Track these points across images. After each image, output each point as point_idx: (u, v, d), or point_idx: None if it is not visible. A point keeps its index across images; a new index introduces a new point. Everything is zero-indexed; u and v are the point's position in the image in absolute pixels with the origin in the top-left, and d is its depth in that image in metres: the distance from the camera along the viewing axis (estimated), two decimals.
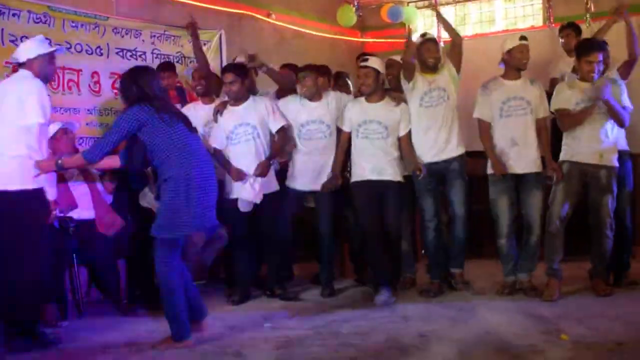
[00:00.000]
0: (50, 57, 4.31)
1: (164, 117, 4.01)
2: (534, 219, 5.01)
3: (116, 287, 5.06)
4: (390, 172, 5.13)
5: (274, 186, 5.28)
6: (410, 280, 5.54)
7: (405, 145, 5.18)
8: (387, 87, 5.47)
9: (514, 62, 5.06)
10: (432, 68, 5.15)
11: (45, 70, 4.28)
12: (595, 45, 4.95)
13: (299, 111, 5.32)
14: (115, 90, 5.81)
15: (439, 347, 3.86)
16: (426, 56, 5.14)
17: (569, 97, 4.92)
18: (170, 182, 3.97)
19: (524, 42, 5.05)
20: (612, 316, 4.33)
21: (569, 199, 4.89)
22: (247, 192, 5.05)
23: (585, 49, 4.92)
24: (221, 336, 4.29)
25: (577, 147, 4.90)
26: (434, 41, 5.19)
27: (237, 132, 5.18)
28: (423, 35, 5.26)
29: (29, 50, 4.26)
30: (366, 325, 4.41)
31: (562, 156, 4.99)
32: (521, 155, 5.02)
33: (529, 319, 4.38)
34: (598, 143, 4.86)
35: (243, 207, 5.10)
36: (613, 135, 4.90)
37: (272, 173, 5.27)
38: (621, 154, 5.01)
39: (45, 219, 4.22)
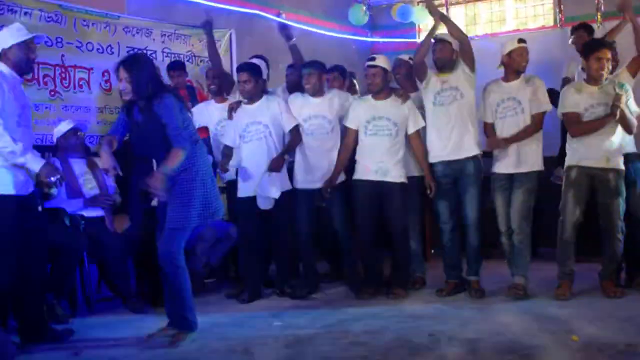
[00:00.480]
0: (26, 46, 4.00)
1: (185, 110, 4.15)
2: (512, 219, 5.01)
3: (125, 284, 5.08)
4: (394, 174, 5.14)
5: (287, 185, 5.28)
6: (420, 280, 5.53)
7: (415, 143, 5.19)
8: (395, 86, 5.47)
9: (514, 65, 5.04)
10: (444, 68, 5.13)
11: (20, 60, 3.99)
12: (604, 42, 4.95)
13: (303, 106, 5.35)
14: None
15: (448, 347, 3.86)
16: (436, 56, 5.15)
17: (577, 101, 4.89)
18: (197, 172, 4.06)
19: (522, 44, 5.04)
20: (622, 317, 4.32)
21: (579, 205, 4.90)
22: (264, 189, 5.06)
23: (594, 46, 4.91)
24: (231, 334, 4.30)
25: (584, 152, 4.88)
26: (443, 41, 5.15)
27: (249, 130, 5.21)
28: (435, 36, 5.26)
29: (3, 40, 4.00)
30: (376, 324, 4.41)
31: (569, 161, 4.97)
32: (513, 154, 5.01)
33: (539, 319, 4.37)
34: (604, 147, 4.84)
35: (263, 205, 5.11)
36: (618, 138, 4.88)
37: (284, 171, 5.27)
38: (631, 157, 5.01)
39: (8, 226, 3.91)
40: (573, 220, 4.89)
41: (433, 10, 5.34)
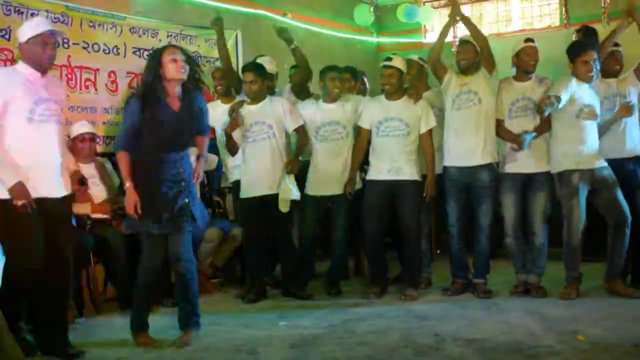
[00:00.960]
0: (41, 40, 3.77)
1: None
2: (534, 221, 5.02)
3: (131, 284, 5.08)
4: (407, 172, 5.12)
5: None
6: (426, 280, 5.52)
7: (426, 143, 5.16)
8: (406, 86, 5.48)
9: (522, 65, 5.05)
10: (466, 70, 5.10)
11: (35, 55, 3.78)
12: (588, 44, 4.94)
13: (315, 113, 5.34)
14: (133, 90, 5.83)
15: (454, 347, 3.86)
16: (458, 58, 5.14)
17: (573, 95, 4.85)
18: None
19: (530, 44, 5.03)
20: (629, 318, 4.31)
21: (584, 209, 4.89)
22: (286, 192, 5.08)
23: (579, 49, 4.91)
24: (236, 334, 4.31)
25: (578, 155, 4.86)
26: (467, 42, 5.13)
27: (252, 130, 5.21)
28: (459, 38, 5.25)
29: (21, 33, 3.83)
30: (381, 324, 4.41)
31: (564, 166, 4.91)
32: (528, 155, 4.99)
33: (545, 319, 4.37)
34: (591, 147, 4.89)
35: (284, 207, 5.11)
36: (597, 136, 4.94)
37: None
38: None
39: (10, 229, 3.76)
40: (581, 225, 4.88)
41: (456, 11, 5.28)
